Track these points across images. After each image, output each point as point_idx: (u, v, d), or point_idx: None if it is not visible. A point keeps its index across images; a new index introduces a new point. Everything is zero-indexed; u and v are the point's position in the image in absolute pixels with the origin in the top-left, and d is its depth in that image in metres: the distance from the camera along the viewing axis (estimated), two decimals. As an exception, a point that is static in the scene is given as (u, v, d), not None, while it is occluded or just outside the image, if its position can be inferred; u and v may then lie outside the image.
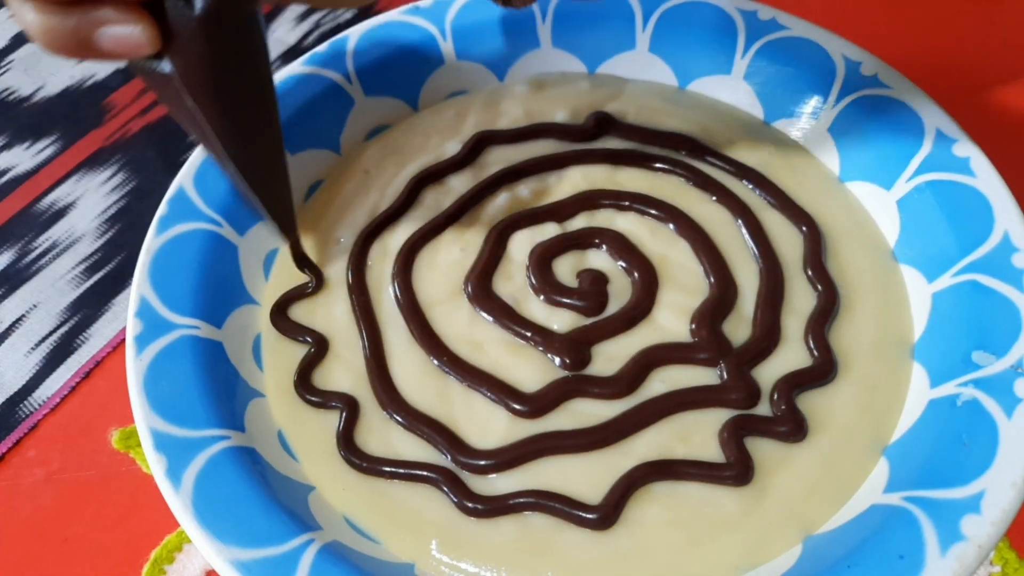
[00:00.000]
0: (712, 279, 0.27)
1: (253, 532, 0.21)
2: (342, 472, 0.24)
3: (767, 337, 0.26)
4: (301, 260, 0.28)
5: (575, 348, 0.25)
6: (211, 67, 0.20)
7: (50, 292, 0.33)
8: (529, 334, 0.26)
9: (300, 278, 0.28)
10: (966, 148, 0.27)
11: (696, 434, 0.24)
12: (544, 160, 0.31)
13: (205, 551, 0.21)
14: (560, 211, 0.29)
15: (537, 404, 0.24)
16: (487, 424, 0.24)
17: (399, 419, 0.25)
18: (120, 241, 0.35)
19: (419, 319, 0.27)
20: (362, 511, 0.23)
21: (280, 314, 0.27)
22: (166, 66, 0.20)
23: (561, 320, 0.26)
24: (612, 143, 0.31)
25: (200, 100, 0.21)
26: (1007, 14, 0.39)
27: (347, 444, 0.24)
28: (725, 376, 0.25)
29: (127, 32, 0.19)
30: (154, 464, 0.22)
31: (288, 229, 0.27)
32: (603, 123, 0.32)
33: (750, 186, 0.30)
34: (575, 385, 0.25)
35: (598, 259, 0.28)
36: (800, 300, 0.27)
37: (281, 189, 0.25)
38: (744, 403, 0.24)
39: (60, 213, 0.36)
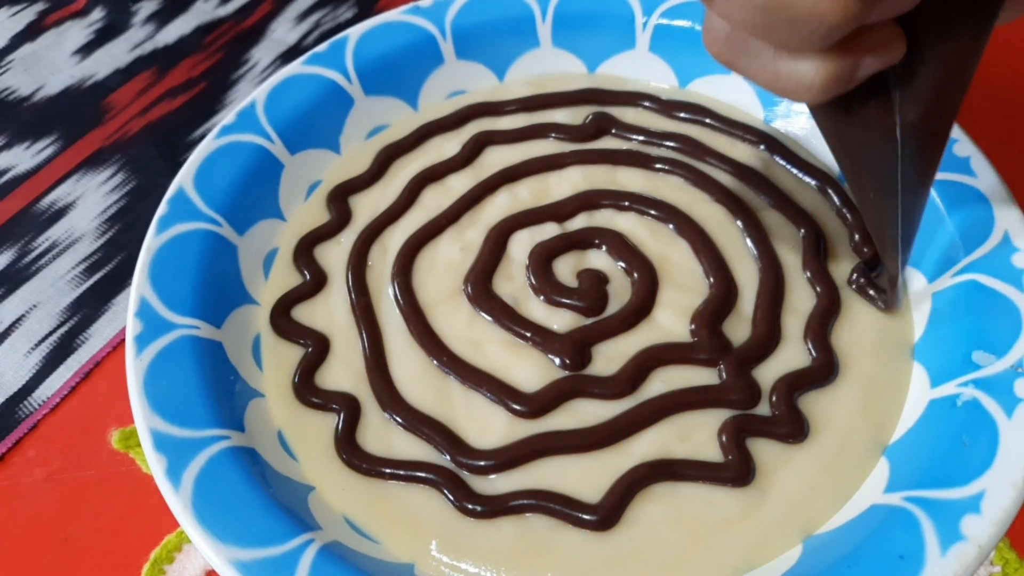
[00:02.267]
0: (712, 279, 0.27)
1: (253, 532, 0.21)
2: (342, 472, 0.24)
3: (767, 337, 0.26)
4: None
5: (575, 348, 0.25)
6: (960, 84, 0.18)
7: (50, 292, 0.33)
8: (529, 334, 0.26)
9: (299, 278, 0.28)
10: (966, 148, 0.27)
11: (696, 434, 0.24)
12: (544, 160, 0.31)
13: (205, 551, 0.21)
14: (560, 211, 0.29)
15: (537, 404, 0.24)
16: (487, 424, 0.24)
17: (399, 419, 0.25)
18: (120, 241, 0.35)
19: (419, 319, 0.27)
20: (362, 511, 0.23)
21: (280, 315, 0.27)
22: (896, 107, 0.18)
23: (561, 320, 0.26)
24: (612, 143, 0.31)
25: (921, 145, 0.18)
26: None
27: (347, 444, 0.24)
28: (725, 376, 0.25)
29: (890, 53, 0.17)
30: (154, 464, 0.22)
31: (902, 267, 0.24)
32: (603, 123, 0.32)
33: (750, 186, 0.30)
34: (575, 385, 0.25)
35: (598, 259, 0.28)
36: (800, 300, 0.27)
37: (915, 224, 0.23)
38: (744, 403, 0.24)
39: (60, 213, 0.36)
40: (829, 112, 0.20)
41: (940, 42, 0.18)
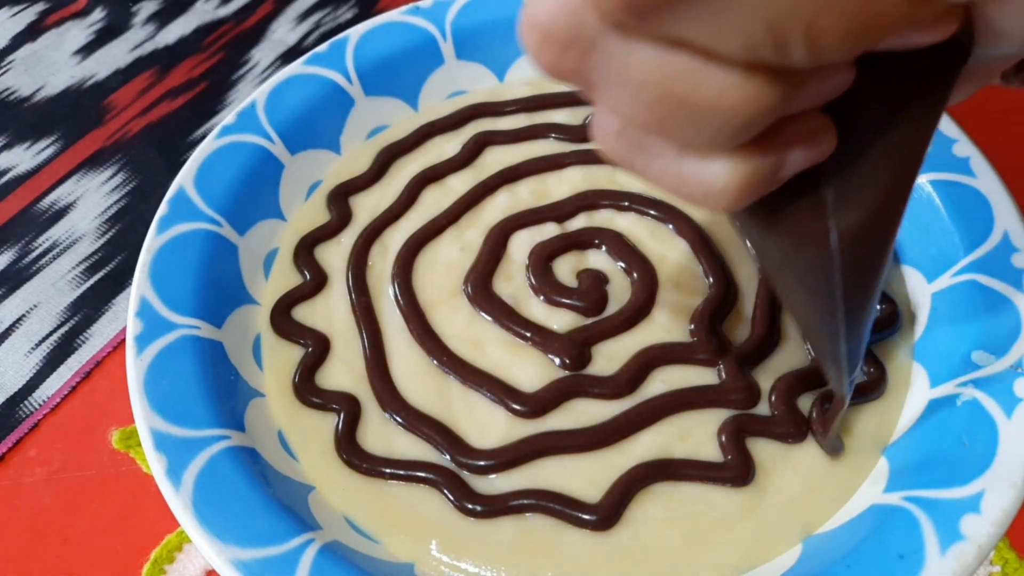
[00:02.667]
0: (711, 279, 0.27)
1: (253, 532, 0.21)
2: (342, 472, 0.24)
3: (766, 337, 0.26)
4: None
5: (575, 348, 0.25)
6: (903, 187, 0.15)
7: (50, 292, 0.33)
8: (529, 334, 0.26)
9: (299, 278, 0.28)
10: (966, 148, 0.27)
11: (695, 434, 0.24)
12: (544, 160, 0.31)
13: (205, 551, 0.21)
14: (560, 211, 0.29)
15: (537, 404, 0.24)
16: (487, 424, 0.24)
17: (399, 419, 0.25)
18: (120, 241, 0.35)
19: (419, 319, 0.27)
20: (362, 511, 0.23)
21: (280, 315, 0.27)
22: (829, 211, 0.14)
23: (561, 320, 0.26)
24: (612, 143, 0.31)
25: (859, 256, 0.15)
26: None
27: (347, 444, 0.25)
28: (724, 376, 0.25)
29: (817, 146, 0.14)
30: (154, 464, 0.22)
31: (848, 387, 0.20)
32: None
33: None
34: (575, 385, 0.25)
35: (598, 259, 0.28)
36: (800, 300, 0.27)
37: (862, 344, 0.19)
38: (743, 403, 0.24)
39: (60, 213, 0.36)
40: (749, 216, 0.16)
41: (879, 132, 0.14)
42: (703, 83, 0.12)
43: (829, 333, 0.17)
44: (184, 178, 0.28)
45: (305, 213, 0.30)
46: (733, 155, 0.14)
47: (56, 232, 0.35)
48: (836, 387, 0.21)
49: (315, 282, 0.28)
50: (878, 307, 0.26)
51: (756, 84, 0.12)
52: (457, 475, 0.24)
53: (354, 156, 0.32)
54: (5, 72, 0.41)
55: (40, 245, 0.35)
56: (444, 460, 0.24)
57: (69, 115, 0.39)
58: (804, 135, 0.14)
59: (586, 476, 0.23)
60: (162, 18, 0.44)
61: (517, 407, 0.25)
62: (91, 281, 0.33)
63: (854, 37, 0.12)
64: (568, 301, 0.27)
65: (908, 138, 0.14)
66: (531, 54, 0.14)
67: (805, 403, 0.25)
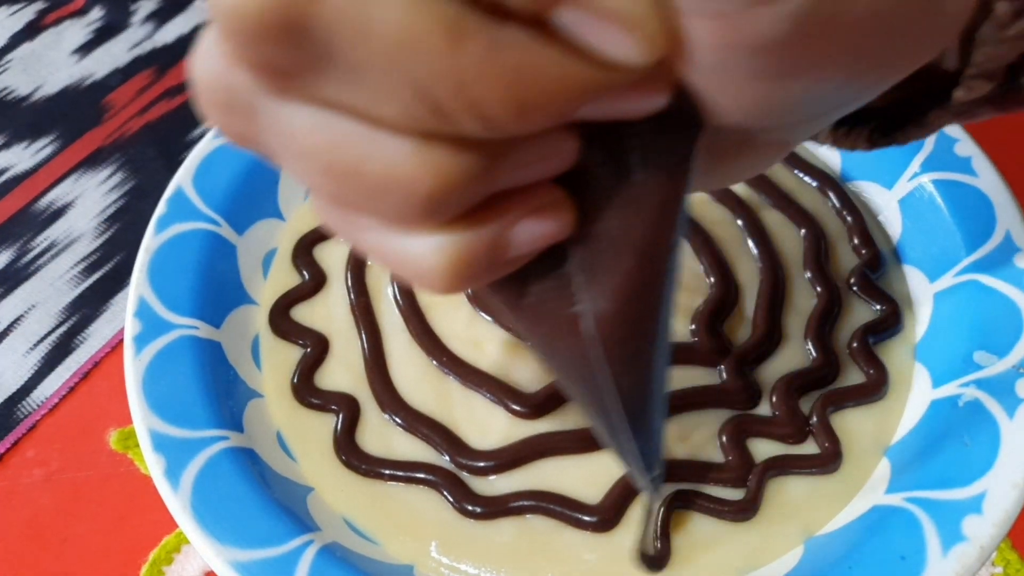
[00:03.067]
0: (712, 279, 0.27)
1: (252, 533, 0.21)
2: (341, 473, 0.24)
3: (767, 337, 0.26)
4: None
5: (575, 348, 0.25)
6: (651, 275, 0.13)
7: (48, 292, 0.33)
8: (529, 334, 0.26)
9: (298, 278, 0.28)
10: (968, 147, 0.27)
11: (696, 434, 0.24)
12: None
13: (204, 552, 0.21)
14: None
15: (537, 405, 0.24)
16: (487, 425, 0.24)
17: (398, 420, 0.25)
18: (119, 241, 0.34)
19: (419, 319, 0.27)
20: (361, 512, 0.23)
21: (279, 315, 0.27)
22: (578, 296, 0.13)
23: (561, 320, 0.26)
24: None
25: (617, 341, 0.14)
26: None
27: (346, 445, 0.24)
28: (725, 376, 0.25)
29: (547, 222, 0.13)
30: (152, 465, 0.22)
31: (650, 479, 0.19)
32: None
33: (750, 186, 0.29)
34: (575, 385, 0.25)
35: (598, 259, 0.28)
36: (801, 300, 0.27)
37: (656, 425, 0.17)
38: (744, 404, 0.24)
39: (59, 213, 0.36)
40: (504, 306, 0.15)
41: (620, 210, 0.13)
42: (371, 153, 0.11)
43: (614, 430, 0.16)
44: (182, 177, 0.28)
45: (304, 212, 0.30)
46: (440, 231, 0.12)
47: (54, 232, 0.35)
48: (639, 484, 0.19)
49: (314, 282, 0.28)
50: (877, 308, 0.26)
51: (436, 155, 0.11)
52: (457, 476, 0.24)
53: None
54: (3, 71, 0.41)
55: (38, 245, 0.34)
56: (444, 461, 0.24)
57: (67, 114, 0.39)
58: (530, 210, 0.12)
59: (586, 477, 0.23)
60: (161, 17, 0.44)
61: (517, 408, 0.24)
62: (89, 281, 0.33)
63: (524, 107, 0.10)
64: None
65: (650, 218, 0.13)
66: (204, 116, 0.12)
67: (806, 404, 0.24)
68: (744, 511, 0.22)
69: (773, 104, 0.12)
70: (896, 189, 0.28)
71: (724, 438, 0.24)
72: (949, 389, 0.23)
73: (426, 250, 0.12)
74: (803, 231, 0.28)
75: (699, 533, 0.22)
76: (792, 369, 0.25)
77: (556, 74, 0.10)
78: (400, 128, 0.11)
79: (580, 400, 0.16)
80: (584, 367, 0.14)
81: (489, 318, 0.27)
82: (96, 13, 0.44)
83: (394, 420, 0.25)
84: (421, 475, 0.24)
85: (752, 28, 0.10)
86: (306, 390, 0.26)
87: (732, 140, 0.14)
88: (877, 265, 0.27)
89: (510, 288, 0.14)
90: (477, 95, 0.10)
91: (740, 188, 0.29)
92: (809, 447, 0.24)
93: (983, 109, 0.16)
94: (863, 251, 0.27)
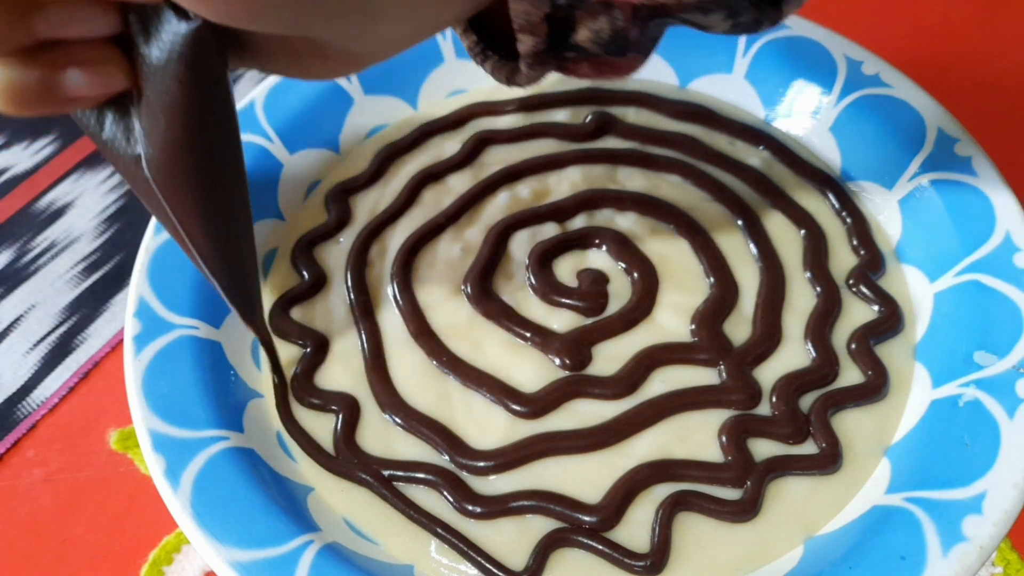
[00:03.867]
0: (712, 279, 0.27)
1: (252, 533, 0.21)
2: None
3: (767, 337, 0.26)
4: (270, 351, 0.25)
5: (575, 348, 0.25)
6: (183, 138, 0.18)
7: (48, 292, 0.33)
8: (529, 334, 0.26)
9: (298, 278, 0.28)
10: (968, 148, 0.27)
11: (696, 435, 0.24)
12: (544, 160, 0.30)
13: (204, 552, 0.21)
14: (560, 211, 0.29)
15: (537, 405, 0.24)
16: (487, 425, 0.24)
17: (398, 420, 0.25)
18: (119, 241, 0.34)
19: (419, 319, 0.27)
20: (361, 512, 0.23)
21: (278, 315, 0.27)
22: (138, 146, 0.18)
23: (561, 320, 0.26)
24: (612, 143, 0.31)
25: (168, 187, 0.18)
26: (1008, 13, 0.39)
27: (346, 445, 0.24)
28: (725, 376, 0.25)
29: (97, 72, 0.17)
30: (152, 465, 0.22)
31: (250, 318, 0.23)
32: (603, 123, 0.31)
33: (750, 186, 0.30)
34: (575, 385, 0.25)
35: (598, 259, 0.28)
36: (801, 300, 0.27)
37: (248, 273, 0.22)
38: (744, 404, 0.24)
39: (58, 213, 0.36)
40: (91, 139, 0.20)
41: (153, 78, 0.17)
42: None
43: (196, 260, 0.21)
44: (182, 177, 0.28)
45: (304, 213, 0.30)
46: (3, 60, 0.17)
47: (54, 232, 0.35)
48: (242, 320, 0.23)
49: (314, 282, 0.28)
50: (876, 308, 0.26)
51: None
52: (457, 476, 0.24)
53: (353, 155, 0.32)
54: (3, 71, 0.41)
55: (38, 245, 0.34)
56: (444, 461, 0.24)
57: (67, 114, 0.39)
58: (80, 61, 0.17)
59: (586, 477, 0.23)
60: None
61: (517, 408, 0.24)
62: (89, 281, 0.33)
63: None
64: (568, 301, 0.27)
65: (170, 87, 0.17)
66: None
67: (806, 404, 0.24)
68: (744, 511, 0.22)
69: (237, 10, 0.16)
70: (896, 189, 0.28)
71: (724, 438, 0.24)
72: (949, 389, 0.23)
73: None
74: (803, 231, 0.28)
75: (699, 533, 0.22)
76: (792, 369, 0.25)
77: None
78: None
79: (164, 228, 0.21)
80: (153, 199, 0.19)
81: (489, 318, 0.27)
82: (96, 13, 0.44)
83: (394, 420, 0.25)
84: (421, 475, 0.24)
85: None
86: (306, 390, 0.26)
87: (290, 45, 0.19)
88: (877, 266, 0.27)
89: (94, 128, 0.19)
90: None
91: (740, 188, 0.29)
92: (809, 447, 0.24)
93: (548, 63, 0.20)
94: (862, 252, 0.27)
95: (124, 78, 0.18)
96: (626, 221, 0.29)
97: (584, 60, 0.20)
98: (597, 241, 0.28)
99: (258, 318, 0.24)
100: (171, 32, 0.17)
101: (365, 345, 0.26)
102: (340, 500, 0.24)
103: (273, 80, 0.31)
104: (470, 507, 0.23)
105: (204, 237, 0.20)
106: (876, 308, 0.26)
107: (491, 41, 0.21)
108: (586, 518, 0.22)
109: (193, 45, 0.17)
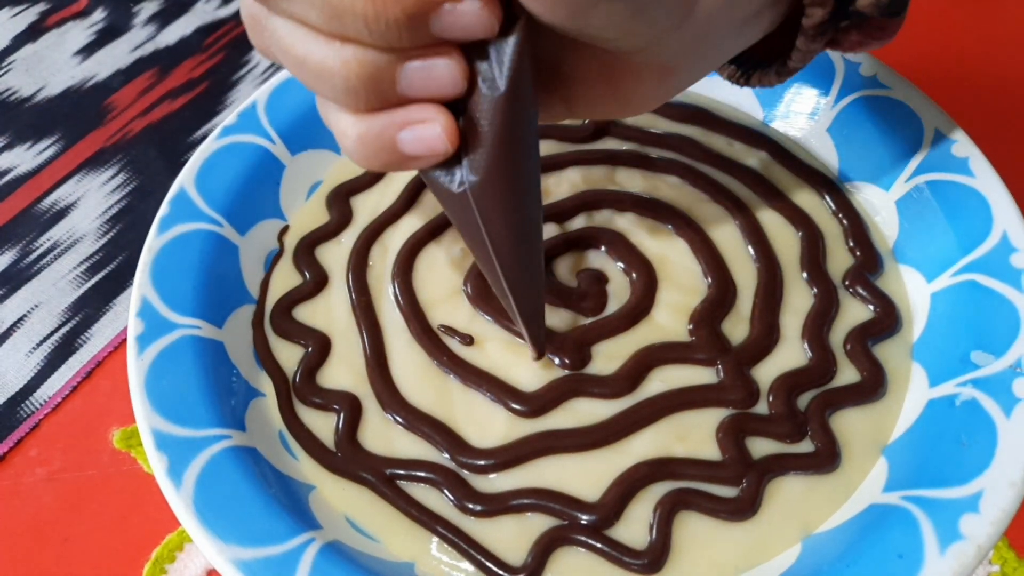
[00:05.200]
0: (710, 279, 0.27)
1: (254, 531, 0.21)
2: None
3: (765, 337, 0.26)
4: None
5: (575, 348, 0.25)
6: (506, 177, 0.18)
7: (51, 292, 0.33)
8: (529, 334, 0.26)
9: (299, 278, 0.28)
10: (965, 148, 0.27)
11: (694, 433, 0.24)
12: (543, 161, 0.31)
13: (206, 550, 0.21)
14: (560, 212, 0.29)
15: (537, 404, 0.25)
16: (487, 423, 0.25)
17: (399, 419, 0.25)
18: (121, 241, 0.35)
19: (419, 319, 0.27)
20: (362, 510, 0.23)
21: (280, 315, 0.27)
22: (461, 175, 0.18)
23: (561, 320, 0.26)
24: (611, 144, 0.31)
25: (491, 218, 0.19)
26: (1007, 14, 0.40)
27: (348, 444, 0.25)
28: (723, 376, 0.25)
29: (428, 131, 0.17)
30: (155, 463, 0.22)
31: (538, 341, 0.24)
32: (602, 123, 0.32)
33: (748, 186, 0.30)
34: (575, 384, 0.25)
35: (597, 259, 0.28)
36: (798, 300, 0.27)
37: (541, 300, 0.23)
38: (742, 403, 0.24)
39: (61, 213, 0.36)
40: (432, 190, 0.20)
41: (483, 112, 0.17)
42: (313, 50, 0.16)
43: (503, 293, 0.22)
44: (185, 178, 0.28)
45: (305, 213, 0.30)
46: (355, 115, 0.18)
47: (57, 232, 0.35)
48: (533, 343, 0.24)
49: (315, 282, 0.28)
50: (874, 308, 0.26)
51: (348, 52, 0.16)
52: (457, 474, 0.24)
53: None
54: (6, 72, 0.41)
55: (41, 245, 0.35)
56: (444, 459, 0.24)
57: (70, 115, 0.39)
58: (415, 120, 0.17)
59: (586, 475, 0.23)
60: (163, 18, 0.44)
61: (517, 407, 0.25)
62: (92, 281, 0.33)
63: (395, 18, 0.15)
64: (568, 301, 0.27)
65: (499, 111, 0.17)
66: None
67: (804, 403, 0.25)
68: (742, 510, 0.23)
69: (575, 9, 0.16)
70: (893, 190, 0.28)
71: (722, 437, 0.24)
72: (946, 388, 0.24)
73: (346, 126, 0.18)
74: (801, 232, 0.28)
75: (697, 532, 0.22)
76: (790, 369, 0.25)
77: None
78: (326, 33, 0.16)
79: (480, 264, 0.22)
80: (474, 229, 0.19)
81: (489, 318, 0.27)
82: (98, 15, 0.44)
83: (395, 419, 0.25)
84: (422, 473, 0.24)
85: None
86: (307, 389, 0.26)
87: (606, 61, 0.19)
88: (874, 266, 0.27)
89: (430, 180, 0.19)
90: (360, 8, 0.15)
91: (738, 188, 0.30)
92: (807, 446, 0.24)
93: (827, 34, 0.21)
94: (859, 252, 0.28)
95: (443, 132, 0.18)
96: (625, 222, 0.29)
97: (854, 29, 0.21)
98: (596, 241, 0.28)
99: (544, 339, 0.24)
100: (499, 55, 0.17)
101: (366, 345, 0.26)
102: (341, 498, 0.24)
103: (275, 81, 0.31)
104: (470, 505, 0.23)
105: (516, 261, 0.21)
106: (873, 308, 0.26)
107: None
108: (585, 516, 0.23)
109: (516, 60, 0.17)
